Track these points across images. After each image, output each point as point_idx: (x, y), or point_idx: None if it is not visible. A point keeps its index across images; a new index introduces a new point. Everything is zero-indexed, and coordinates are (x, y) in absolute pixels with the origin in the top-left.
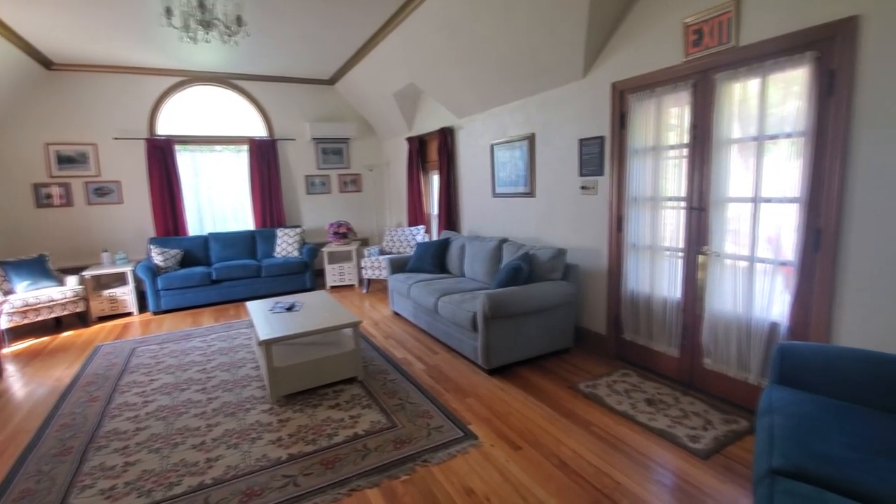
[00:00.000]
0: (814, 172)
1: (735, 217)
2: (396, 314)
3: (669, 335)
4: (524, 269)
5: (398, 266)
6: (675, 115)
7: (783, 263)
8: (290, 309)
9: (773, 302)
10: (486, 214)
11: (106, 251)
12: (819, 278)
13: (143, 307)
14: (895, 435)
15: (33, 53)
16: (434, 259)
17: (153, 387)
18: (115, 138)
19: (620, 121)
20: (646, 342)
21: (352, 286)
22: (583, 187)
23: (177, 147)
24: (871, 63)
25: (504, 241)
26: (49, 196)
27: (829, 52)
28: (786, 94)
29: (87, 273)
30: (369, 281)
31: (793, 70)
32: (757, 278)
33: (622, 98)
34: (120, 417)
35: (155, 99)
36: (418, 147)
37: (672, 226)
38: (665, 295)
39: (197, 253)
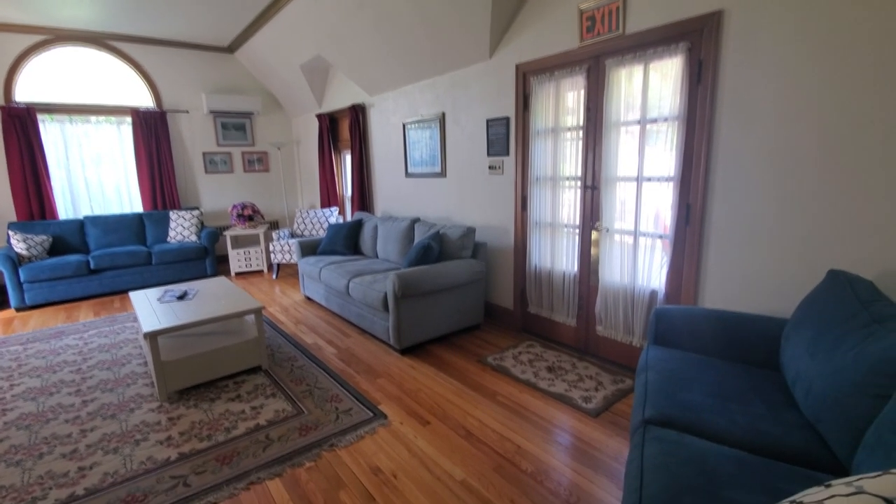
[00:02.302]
0: (685, 154)
1: (623, 195)
2: (308, 299)
3: (568, 306)
4: (434, 247)
5: (309, 249)
6: (572, 98)
7: (661, 237)
8: (181, 297)
9: (654, 272)
10: (399, 195)
11: None
12: (688, 249)
13: (3, 303)
14: (742, 382)
15: None
16: (346, 241)
17: (14, 392)
18: None
19: (524, 102)
20: (548, 314)
21: (260, 272)
22: (490, 167)
23: (41, 117)
24: (731, 54)
25: (416, 220)
26: None
27: (699, 43)
28: (664, 81)
29: None
30: (279, 266)
31: (670, 59)
32: (640, 251)
33: (525, 80)
34: None
35: (11, 60)
36: (329, 125)
37: (570, 204)
38: (564, 269)
39: (71, 239)
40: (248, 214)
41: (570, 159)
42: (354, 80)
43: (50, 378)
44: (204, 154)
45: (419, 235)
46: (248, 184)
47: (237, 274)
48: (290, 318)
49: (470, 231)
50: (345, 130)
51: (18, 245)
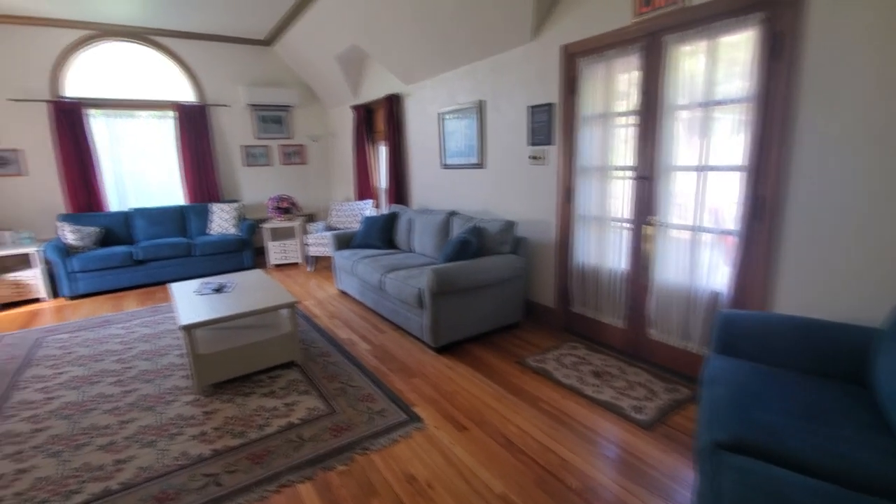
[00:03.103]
0: (759, 140)
1: (681, 186)
2: (343, 293)
3: (616, 307)
4: (472, 242)
5: (343, 242)
6: (625, 81)
7: (725, 233)
8: (218, 290)
9: (715, 271)
10: (435, 187)
11: (8, 230)
12: (758, 247)
13: (56, 292)
14: (828, 399)
15: None
16: (381, 234)
17: (59, 381)
18: (11, 100)
19: (570, 86)
20: (593, 314)
21: (297, 264)
22: (532, 157)
23: (89, 112)
24: (817, 23)
25: (453, 213)
26: None
27: (777, 14)
28: (733, 58)
29: None
30: (315, 258)
31: (741, 33)
32: (700, 248)
33: (572, 62)
34: (15, 417)
35: (58, 55)
36: (365, 116)
37: (620, 196)
38: (612, 266)
39: (118, 231)
40: (285, 207)
41: (622, 147)
42: (390, 69)
43: (94, 367)
44: (243, 147)
45: (456, 229)
46: (285, 176)
47: (275, 266)
48: (325, 311)
49: (509, 225)
50: (380, 121)
51: (70, 236)
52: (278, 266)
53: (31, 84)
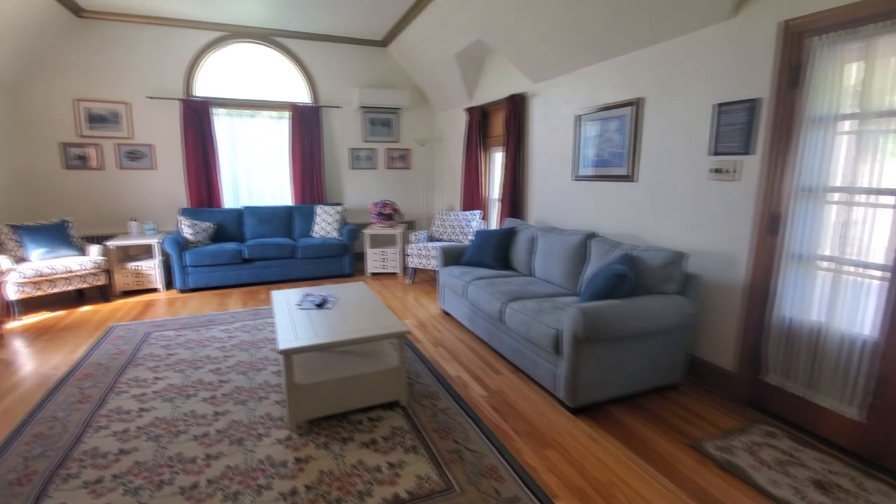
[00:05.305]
0: None
1: None
2: (446, 314)
3: (848, 387)
4: (630, 277)
5: (453, 257)
6: (894, 67)
7: None
8: (321, 305)
9: None
10: (562, 201)
11: (134, 220)
12: None
13: (169, 283)
14: None
15: None
16: (496, 252)
17: (156, 388)
18: (150, 97)
19: (792, 76)
20: (802, 391)
21: (394, 274)
22: (715, 170)
23: (214, 110)
24: None
25: (591, 236)
26: (83, 157)
27: None
28: None
29: (111, 243)
30: (414, 270)
31: None
32: None
33: (798, 43)
34: (105, 430)
35: (193, 56)
36: (479, 119)
37: (870, 231)
38: (846, 330)
39: (230, 228)
40: (388, 213)
41: (882, 163)
42: (517, 65)
43: (191, 375)
44: (350, 150)
45: (596, 256)
46: (388, 181)
47: (372, 275)
48: (428, 336)
49: (678, 257)
50: (497, 125)
51: (186, 230)
52: (375, 275)
53: (167, 83)
